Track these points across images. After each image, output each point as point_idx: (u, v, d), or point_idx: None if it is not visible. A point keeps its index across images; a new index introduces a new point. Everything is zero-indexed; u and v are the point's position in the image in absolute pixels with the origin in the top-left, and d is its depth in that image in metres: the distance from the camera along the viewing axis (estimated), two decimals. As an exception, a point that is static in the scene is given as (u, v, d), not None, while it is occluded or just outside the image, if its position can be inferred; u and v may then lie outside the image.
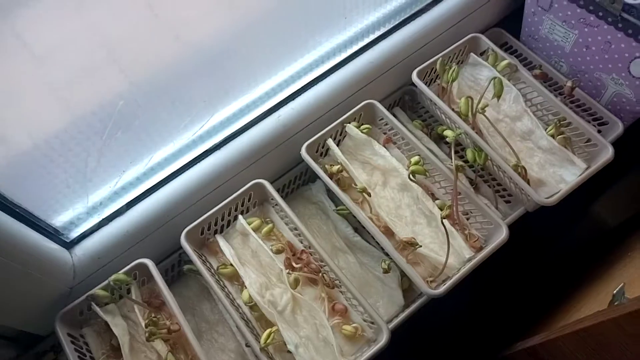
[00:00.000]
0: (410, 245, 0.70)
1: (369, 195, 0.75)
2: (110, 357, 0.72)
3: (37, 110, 0.58)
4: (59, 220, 0.70)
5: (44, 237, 0.66)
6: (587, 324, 0.64)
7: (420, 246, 0.70)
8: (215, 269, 0.75)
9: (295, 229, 0.77)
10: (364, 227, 0.82)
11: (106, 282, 0.71)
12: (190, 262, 0.80)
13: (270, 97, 0.80)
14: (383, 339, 0.66)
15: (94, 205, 0.71)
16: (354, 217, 0.75)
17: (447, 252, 0.69)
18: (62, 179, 0.66)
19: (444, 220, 0.68)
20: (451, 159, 0.77)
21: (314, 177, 0.90)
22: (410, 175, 0.73)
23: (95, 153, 0.64)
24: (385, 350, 0.67)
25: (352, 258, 0.81)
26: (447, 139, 0.76)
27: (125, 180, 0.72)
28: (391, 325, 0.69)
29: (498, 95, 0.77)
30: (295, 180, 0.87)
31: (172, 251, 0.79)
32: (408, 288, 0.79)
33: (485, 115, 0.76)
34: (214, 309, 0.80)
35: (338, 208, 0.83)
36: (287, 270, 0.71)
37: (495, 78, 0.77)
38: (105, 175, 0.69)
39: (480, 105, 0.77)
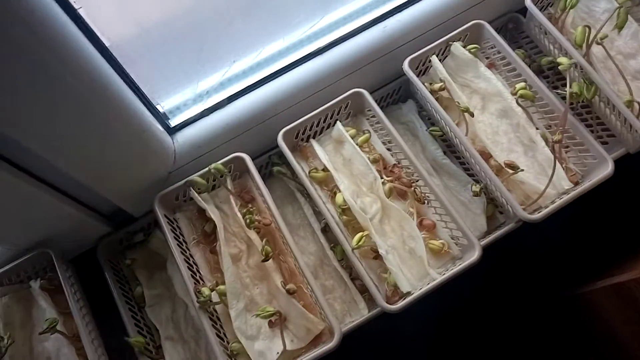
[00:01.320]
0: (510, 168, 0.69)
1: (472, 115, 0.73)
2: (200, 243, 0.75)
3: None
4: (166, 104, 0.71)
5: (154, 119, 0.68)
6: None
7: (522, 170, 0.69)
8: (307, 173, 0.76)
9: (390, 142, 0.77)
10: (452, 151, 0.82)
11: (205, 170, 0.73)
12: (278, 164, 0.81)
13: (378, 6, 0.77)
14: (475, 256, 0.67)
15: (201, 93, 0.72)
16: (443, 140, 0.73)
17: (550, 179, 0.67)
18: (178, 61, 0.66)
19: (555, 144, 0.66)
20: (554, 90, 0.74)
21: (405, 97, 0.88)
22: (518, 100, 0.71)
23: (212, 39, 0.64)
24: (471, 269, 0.68)
25: (438, 181, 0.81)
26: (560, 67, 0.73)
27: (233, 72, 0.72)
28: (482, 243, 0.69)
29: (621, 26, 0.73)
30: (387, 97, 0.86)
31: (263, 152, 0.80)
32: (491, 216, 0.79)
33: (603, 46, 0.73)
34: (296, 214, 0.81)
35: (431, 129, 0.82)
36: (383, 179, 0.71)
37: (620, 7, 0.72)
38: (216, 63, 0.69)
39: (599, 35, 0.73)
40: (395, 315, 0.66)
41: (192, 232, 0.76)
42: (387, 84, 0.85)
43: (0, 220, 0.63)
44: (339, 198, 0.71)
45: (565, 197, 0.69)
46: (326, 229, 0.79)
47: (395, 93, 0.87)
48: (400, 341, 0.93)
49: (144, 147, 0.67)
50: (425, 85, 0.78)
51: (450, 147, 0.84)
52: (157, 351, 0.75)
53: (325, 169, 0.76)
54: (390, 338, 0.92)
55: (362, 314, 0.72)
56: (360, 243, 0.68)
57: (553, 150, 0.66)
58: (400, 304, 0.65)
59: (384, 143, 0.78)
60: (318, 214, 0.80)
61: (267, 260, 0.66)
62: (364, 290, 0.75)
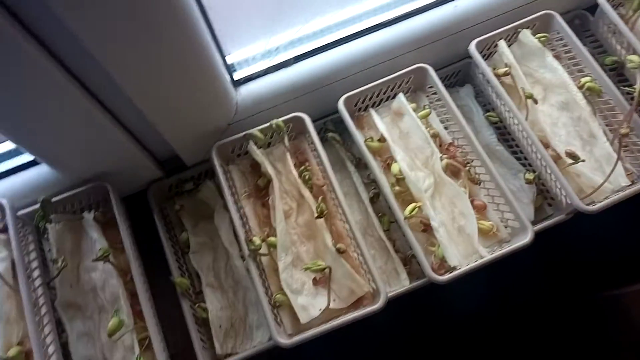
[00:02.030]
0: (571, 158, 0.69)
1: (536, 102, 0.74)
2: (250, 196, 0.77)
3: None
4: (236, 56, 0.72)
5: (224, 68, 0.69)
6: None
7: (583, 160, 0.69)
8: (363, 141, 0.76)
9: (447, 120, 0.77)
10: (505, 140, 0.82)
11: (265, 125, 0.74)
12: (332, 131, 0.82)
13: (452, -16, 0.78)
14: (527, 239, 0.67)
15: (270, 49, 0.73)
16: (497, 128, 0.73)
17: (611, 172, 0.68)
18: (255, 14, 0.67)
19: (621, 138, 0.66)
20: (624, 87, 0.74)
21: (462, 81, 0.89)
22: (584, 93, 0.71)
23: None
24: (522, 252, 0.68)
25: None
26: (629, 65, 0.73)
27: (304, 32, 0.73)
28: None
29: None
30: (445, 80, 0.87)
31: (318, 117, 0.81)
32: (539, 207, 0.79)
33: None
34: (344, 182, 0.82)
35: (488, 114, 0.82)
36: (441, 154, 0.72)
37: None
38: (291, 21, 0.70)
39: (673, 37, 0.72)
40: (437, 289, 0.66)
41: (244, 186, 0.77)
42: (447, 66, 0.85)
43: (69, 146, 0.65)
44: (394, 168, 0.72)
45: (622, 194, 0.70)
46: (374, 200, 0.80)
47: (453, 76, 0.87)
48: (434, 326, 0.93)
49: (212, 94, 0.68)
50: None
51: (503, 136, 0.84)
52: (197, 297, 0.77)
53: (380, 140, 0.77)
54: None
55: (402, 284, 0.73)
56: (412, 213, 0.69)
57: (619, 143, 0.66)
58: (448, 275, 0.65)
59: (441, 122, 0.78)
60: (367, 184, 0.81)
61: (321, 217, 0.67)
62: (405, 263, 0.76)
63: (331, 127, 0.83)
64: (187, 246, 0.80)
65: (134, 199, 0.81)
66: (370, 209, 0.78)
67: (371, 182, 0.81)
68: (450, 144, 0.77)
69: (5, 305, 0.62)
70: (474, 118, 0.84)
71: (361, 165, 0.84)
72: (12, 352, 0.59)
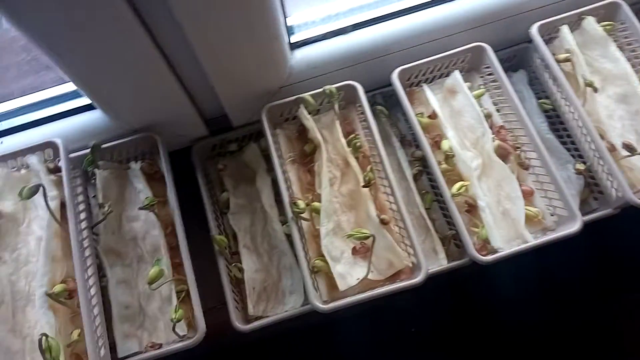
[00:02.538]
0: (628, 150, 0.68)
1: (595, 90, 0.72)
2: (295, 162, 0.76)
3: None
4: (295, 18, 0.71)
5: (284, 30, 0.68)
6: None
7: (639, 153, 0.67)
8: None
9: (500, 102, 0.76)
10: (555, 129, 0.80)
11: (317, 91, 0.73)
12: (380, 104, 0.81)
13: (519, -37, 0.76)
14: (575, 227, 0.66)
15: (329, 15, 0.72)
16: (548, 117, 0.72)
17: (669, 167, 0.66)
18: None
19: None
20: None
21: (516, 67, 0.87)
22: (647, 85, 0.69)
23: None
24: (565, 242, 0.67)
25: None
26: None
27: (365, 2, 0.72)
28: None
29: None
30: (501, 62, 0.85)
31: (368, 89, 0.80)
32: (584, 200, 0.77)
33: None
34: (388, 157, 0.81)
35: (541, 101, 0.80)
36: (493, 135, 0.71)
37: None
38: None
39: None
40: (475, 271, 0.66)
41: (289, 150, 0.77)
42: (504, 49, 0.83)
43: (127, 92, 0.65)
44: (445, 144, 0.71)
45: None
46: (416, 177, 0.79)
47: (507, 60, 0.86)
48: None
49: (270, 54, 0.68)
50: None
51: (553, 125, 0.82)
52: (231, 257, 0.77)
53: (431, 116, 0.76)
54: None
55: (440, 263, 0.73)
56: (460, 191, 0.68)
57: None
58: (492, 256, 0.65)
59: (494, 104, 0.77)
60: (410, 161, 0.81)
61: (368, 186, 0.67)
62: (443, 244, 0.75)
63: (380, 100, 0.82)
64: (226, 206, 0.80)
65: (177, 156, 0.81)
66: (413, 186, 0.78)
67: (415, 160, 0.81)
68: (501, 127, 0.75)
69: (52, 244, 0.63)
70: (525, 104, 0.82)
71: (405, 142, 0.83)
72: (57, 288, 0.60)
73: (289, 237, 0.75)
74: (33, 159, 0.66)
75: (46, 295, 0.59)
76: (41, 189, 0.59)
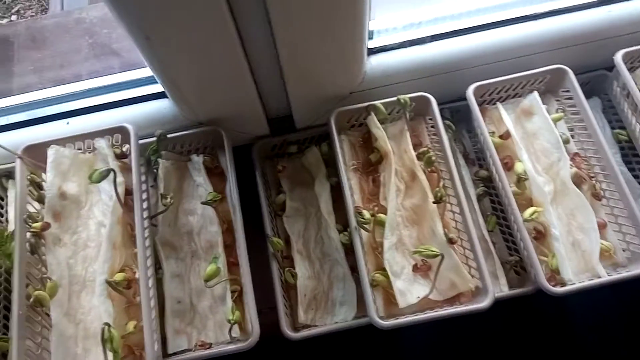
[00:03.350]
0: None
1: (682, 125, 0.69)
2: (357, 170, 0.74)
3: None
4: (375, 23, 0.70)
5: (367, 32, 0.66)
6: None
7: None
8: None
9: (580, 128, 0.73)
10: (630, 160, 0.77)
11: (391, 99, 0.71)
12: (448, 119, 0.79)
13: (610, -13, 0.73)
14: (654, 266, 0.63)
15: (412, 23, 0.70)
16: (621, 148, 0.69)
17: None
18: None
19: None
20: None
21: (590, 93, 0.84)
22: None
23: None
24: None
25: (606, 185, 0.76)
26: None
27: (450, 12, 0.70)
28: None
29: None
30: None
31: (444, 101, 0.78)
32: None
33: None
34: (449, 174, 0.79)
35: (617, 131, 0.78)
36: (571, 163, 0.68)
37: None
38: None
39: None
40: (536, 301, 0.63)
41: (352, 158, 0.75)
42: (579, 74, 0.80)
43: (201, 83, 0.64)
44: (519, 167, 0.69)
45: None
46: (480, 198, 0.76)
47: (582, 85, 0.82)
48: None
49: (349, 58, 0.66)
50: (629, 84, 0.73)
51: (625, 157, 0.79)
52: (283, 260, 0.76)
53: (502, 136, 0.74)
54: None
55: (501, 289, 0.70)
56: (532, 217, 0.65)
57: None
58: (563, 288, 0.62)
59: (569, 129, 0.74)
60: (475, 180, 0.78)
61: (439, 202, 0.65)
62: (504, 268, 0.72)
63: (447, 115, 0.80)
64: (281, 209, 0.78)
65: (236, 153, 0.80)
66: (476, 206, 0.75)
67: (478, 179, 0.78)
68: (576, 154, 0.73)
69: (114, 231, 0.62)
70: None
71: (468, 160, 0.81)
72: (118, 277, 0.59)
73: (344, 246, 0.73)
74: (102, 143, 0.65)
75: (106, 283, 0.58)
76: (111, 173, 0.58)
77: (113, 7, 0.49)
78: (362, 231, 0.67)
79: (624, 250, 0.68)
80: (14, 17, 1.16)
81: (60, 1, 1.22)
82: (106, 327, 0.51)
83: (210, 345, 0.64)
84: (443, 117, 0.80)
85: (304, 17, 0.55)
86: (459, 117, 0.82)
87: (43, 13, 1.26)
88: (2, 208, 0.74)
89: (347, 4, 0.56)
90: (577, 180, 0.70)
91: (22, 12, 1.32)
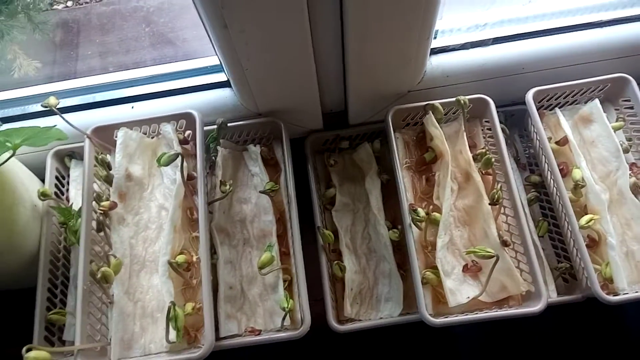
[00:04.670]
0: None
1: None
2: (410, 169, 0.75)
3: None
4: (441, 23, 0.70)
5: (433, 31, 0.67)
6: None
7: None
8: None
9: (633, 139, 0.72)
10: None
11: (449, 100, 0.72)
12: (502, 122, 0.79)
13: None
14: None
15: (477, 24, 0.70)
16: None
17: None
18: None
19: None
20: None
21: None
22: None
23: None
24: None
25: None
26: None
27: (514, 16, 0.70)
28: None
29: None
30: (631, 97, 0.81)
31: (499, 105, 0.78)
32: None
33: None
34: (499, 177, 0.79)
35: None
36: (631, 172, 0.68)
37: None
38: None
39: None
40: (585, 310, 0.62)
41: (405, 156, 0.75)
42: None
43: (268, 75, 0.65)
44: (577, 174, 0.69)
45: None
46: (530, 203, 0.76)
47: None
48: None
49: (414, 56, 0.67)
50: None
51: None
52: (330, 253, 0.76)
53: (559, 143, 0.73)
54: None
55: (550, 295, 0.70)
56: (590, 224, 0.65)
57: None
58: (617, 297, 0.62)
59: (628, 139, 0.74)
60: (526, 185, 0.78)
61: (496, 204, 0.65)
62: (553, 275, 0.72)
63: (502, 118, 0.80)
64: (330, 202, 0.79)
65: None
66: (527, 211, 0.75)
67: (529, 185, 0.78)
68: (634, 164, 0.72)
69: (176, 214, 0.64)
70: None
71: (520, 164, 0.81)
72: (180, 259, 0.60)
73: (392, 243, 0.74)
74: (167, 128, 0.67)
75: (168, 264, 0.59)
76: (179, 157, 0.60)
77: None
78: (414, 229, 0.67)
79: (681, 264, 0.67)
80: (70, 3, 1.19)
81: (116, -11, 1.25)
82: (172, 306, 0.53)
83: (260, 332, 0.66)
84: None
85: (378, 14, 0.56)
86: (512, 121, 0.82)
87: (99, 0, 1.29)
88: (63, 187, 0.76)
89: (422, 5, 0.56)
90: (635, 191, 0.70)
91: (77, -2, 1.36)
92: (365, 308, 0.74)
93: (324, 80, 0.71)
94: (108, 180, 0.66)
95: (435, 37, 0.71)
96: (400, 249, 0.74)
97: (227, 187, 0.68)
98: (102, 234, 0.63)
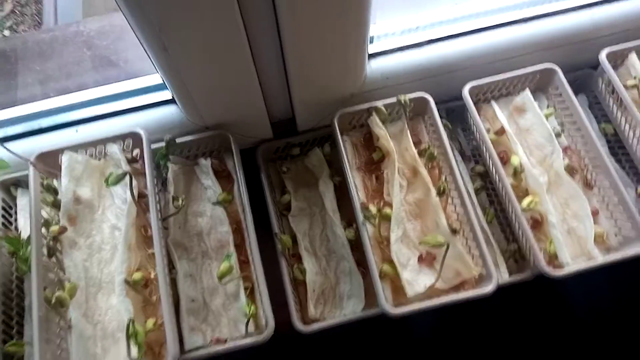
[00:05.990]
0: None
1: (663, 117, 0.73)
2: (360, 169, 0.77)
3: None
4: (375, 28, 0.73)
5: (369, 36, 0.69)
6: None
7: None
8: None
9: (570, 123, 0.77)
10: (616, 152, 0.82)
11: (391, 100, 0.74)
12: (443, 118, 0.82)
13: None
14: (647, 248, 0.66)
15: (410, 28, 0.73)
16: (608, 139, 0.74)
17: None
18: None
19: None
20: None
21: (576, 91, 0.88)
22: None
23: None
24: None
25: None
26: None
27: (447, 16, 0.74)
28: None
29: None
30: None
31: (439, 102, 0.81)
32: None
33: None
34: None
35: (603, 125, 0.82)
36: (563, 155, 0.72)
37: None
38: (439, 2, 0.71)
39: None
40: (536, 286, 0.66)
41: (354, 157, 0.78)
42: (574, 71, 0.85)
43: (212, 89, 0.66)
44: (515, 160, 0.72)
45: None
46: (477, 192, 0.80)
47: (570, 83, 0.87)
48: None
49: (353, 61, 0.69)
50: (613, 81, 0.78)
51: (612, 149, 0.83)
52: (290, 258, 0.78)
53: (497, 133, 0.77)
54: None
55: (502, 277, 0.73)
56: (529, 206, 0.69)
57: None
58: (562, 272, 0.65)
59: (560, 124, 0.78)
60: (472, 176, 0.82)
61: (442, 195, 0.68)
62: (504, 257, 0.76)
63: (443, 114, 0.84)
64: (286, 208, 0.81)
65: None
66: (474, 199, 0.78)
67: (475, 175, 0.82)
68: (567, 147, 0.77)
69: (129, 232, 0.63)
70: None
71: (465, 157, 0.84)
72: (136, 276, 0.60)
73: (349, 242, 0.76)
74: (114, 148, 0.67)
75: (125, 282, 0.59)
76: (127, 176, 0.60)
77: (132, 20, 0.52)
78: (368, 226, 0.69)
79: (615, 235, 0.71)
80: (6, 32, 1.16)
81: (54, 16, 1.24)
82: (131, 322, 0.52)
83: (225, 341, 0.66)
84: (439, 117, 0.83)
85: (313, 26, 0.58)
86: (453, 116, 0.85)
87: (36, 27, 1.26)
88: (11, 217, 0.75)
89: (353, 12, 0.59)
90: (570, 171, 0.74)
91: (15, 27, 1.33)
92: (329, 307, 0.75)
93: (268, 91, 0.73)
94: (56, 205, 0.65)
95: (371, 42, 0.74)
96: (358, 247, 0.76)
97: (180, 202, 0.68)
98: (54, 259, 0.62)
